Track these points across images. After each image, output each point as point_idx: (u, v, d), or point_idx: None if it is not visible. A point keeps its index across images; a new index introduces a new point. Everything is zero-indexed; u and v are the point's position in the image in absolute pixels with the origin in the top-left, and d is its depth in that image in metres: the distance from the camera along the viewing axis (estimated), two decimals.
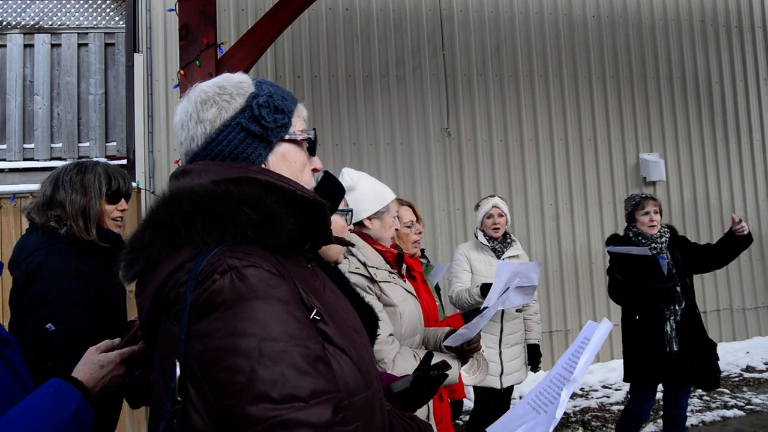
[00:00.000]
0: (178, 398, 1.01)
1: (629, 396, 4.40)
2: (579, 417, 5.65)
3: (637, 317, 4.13)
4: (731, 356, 7.41)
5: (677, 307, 4.07)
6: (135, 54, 6.47)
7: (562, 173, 7.55)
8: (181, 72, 5.14)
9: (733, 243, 4.12)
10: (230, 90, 1.26)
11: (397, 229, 2.86)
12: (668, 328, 4.04)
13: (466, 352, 2.54)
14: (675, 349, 4.01)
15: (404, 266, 2.89)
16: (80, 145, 7.12)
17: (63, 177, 2.38)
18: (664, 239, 4.20)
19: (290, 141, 1.28)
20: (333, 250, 1.97)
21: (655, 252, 4.11)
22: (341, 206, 2.02)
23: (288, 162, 1.26)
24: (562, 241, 7.40)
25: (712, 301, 8.00)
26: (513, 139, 7.41)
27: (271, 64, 6.82)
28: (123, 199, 2.46)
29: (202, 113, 1.24)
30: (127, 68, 6.69)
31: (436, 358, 2.40)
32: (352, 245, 1.95)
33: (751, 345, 7.84)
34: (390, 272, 2.56)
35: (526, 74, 7.56)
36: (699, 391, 6.24)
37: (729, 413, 5.58)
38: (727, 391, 6.24)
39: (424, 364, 1.86)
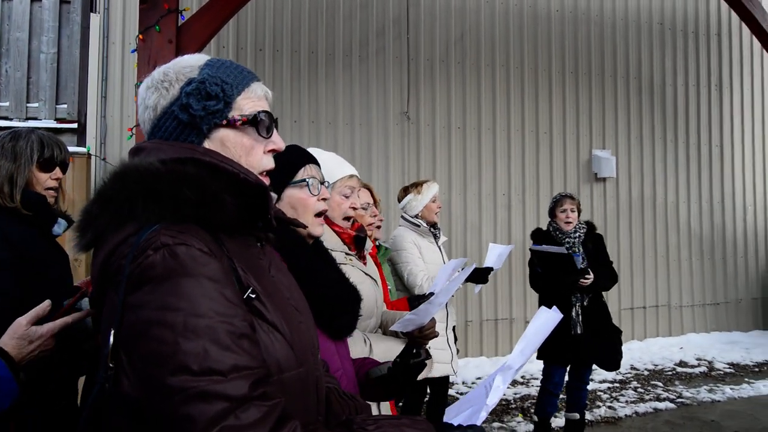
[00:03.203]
0: (111, 364, 1.06)
1: (542, 376, 4.84)
2: (519, 404, 5.77)
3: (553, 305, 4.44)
4: (666, 351, 7.69)
5: (584, 296, 4.58)
6: (91, 14, 6.26)
7: (517, 164, 7.67)
8: (140, 37, 5.00)
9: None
10: (171, 76, 1.27)
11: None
12: (573, 314, 4.53)
13: (419, 338, 2.50)
14: (579, 332, 4.48)
15: (370, 247, 2.86)
16: (29, 105, 6.86)
17: None
18: (578, 234, 4.68)
19: (228, 126, 1.27)
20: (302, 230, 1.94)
21: (570, 250, 4.59)
22: (300, 177, 1.96)
23: (227, 148, 1.27)
24: (513, 231, 7.53)
25: (652, 297, 8.29)
26: (471, 127, 7.48)
27: (233, 36, 6.71)
28: (58, 168, 2.39)
29: (147, 99, 1.28)
30: (83, 29, 6.47)
31: (384, 343, 2.41)
32: (304, 227, 1.92)
33: (684, 341, 8.14)
34: (347, 254, 2.51)
35: (488, 64, 7.62)
36: (634, 383, 6.48)
37: (661, 405, 5.77)
38: (660, 384, 6.47)
39: (405, 352, 1.88)
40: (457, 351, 4.54)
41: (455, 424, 1.33)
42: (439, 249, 4.37)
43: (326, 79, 6.98)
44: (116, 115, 6.23)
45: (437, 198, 4.41)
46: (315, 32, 6.99)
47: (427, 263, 4.20)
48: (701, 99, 8.81)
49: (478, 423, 1.38)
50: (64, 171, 2.42)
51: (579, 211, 4.80)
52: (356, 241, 2.60)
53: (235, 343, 1.04)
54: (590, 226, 4.84)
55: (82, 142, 6.20)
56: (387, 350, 2.36)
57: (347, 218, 2.58)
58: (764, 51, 8.00)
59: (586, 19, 8.15)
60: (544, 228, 4.89)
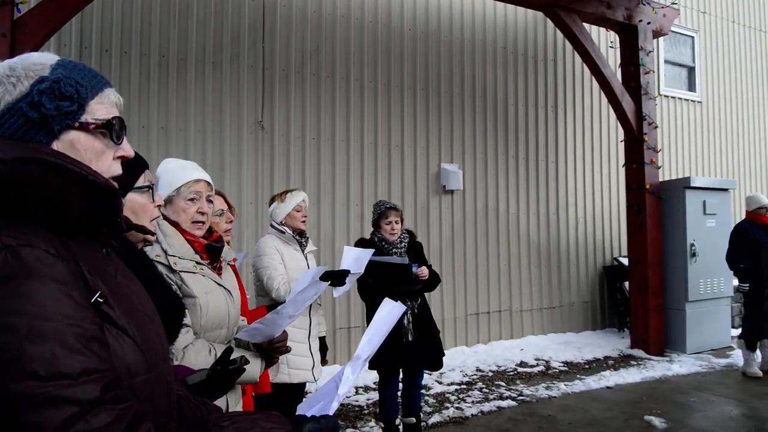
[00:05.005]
0: None
1: (379, 384, 4.97)
2: (372, 410, 5.81)
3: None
4: (508, 353, 8.12)
5: (414, 303, 4.75)
6: None
7: (370, 175, 7.85)
8: None
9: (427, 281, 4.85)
10: (19, 72, 1.20)
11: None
12: (405, 321, 4.65)
13: (269, 351, 2.50)
14: (410, 339, 4.63)
15: (231, 257, 2.79)
16: None
17: None
18: (403, 244, 4.84)
19: (80, 129, 1.23)
20: (134, 235, 1.91)
21: (404, 259, 4.72)
22: (141, 182, 1.88)
23: (77, 150, 1.23)
24: None
25: (495, 303, 8.77)
26: (325, 139, 7.57)
27: (76, 34, 6.34)
28: None
29: None
30: None
31: (237, 353, 2.41)
32: (152, 234, 1.90)
33: (525, 343, 8.66)
34: (197, 263, 2.45)
35: (342, 77, 7.77)
36: (480, 384, 6.76)
37: (504, 404, 6.03)
38: (503, 384, 6.78)
39: (223, 358, 1.88)
40: (326, 361, 4.58)
41: (308, 416, 1.36)
42: (305, 257, 4.38)
43: (177, 85, 6.78)
44: None
45: (303, 207, 4.38)
46: (167, 35, 6.78)
47: (290, 270, 4.18)
48: (539, 119, 9.51)
49: (331, 413, 1.41)
50: None
51: (402, 221, 4.90)
52: (209, 250, 2.55)
53: (84, 346, 1.01)
54: (411, 234, 4.98)
55: None
56: None
57: (196, 222, 2.53)
58: (593, 77, 8.85)
59: (436, 39, 8.55)
60: (368, 237, 4.97)
